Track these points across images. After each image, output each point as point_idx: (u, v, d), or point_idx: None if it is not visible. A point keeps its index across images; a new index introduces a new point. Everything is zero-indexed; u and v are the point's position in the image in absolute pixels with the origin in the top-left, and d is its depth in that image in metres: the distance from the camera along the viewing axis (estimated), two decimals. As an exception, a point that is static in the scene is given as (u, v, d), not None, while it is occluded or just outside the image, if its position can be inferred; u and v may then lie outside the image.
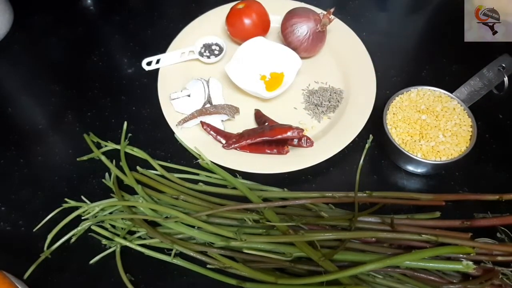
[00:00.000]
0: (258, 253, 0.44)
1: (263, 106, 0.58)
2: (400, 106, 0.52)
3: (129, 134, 0.55)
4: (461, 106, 0.52)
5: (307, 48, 0.59)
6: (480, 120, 0.51)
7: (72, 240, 0.48)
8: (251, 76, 0.58)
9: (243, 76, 0.57)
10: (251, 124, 0.56)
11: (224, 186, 0.51)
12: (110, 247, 0.47)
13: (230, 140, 0.53)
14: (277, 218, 0.45)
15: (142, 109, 0.59)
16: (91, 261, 0.47)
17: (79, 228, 0.48)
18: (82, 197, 0.50)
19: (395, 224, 0.44)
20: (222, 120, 0.56)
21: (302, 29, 0.58)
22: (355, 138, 0.52)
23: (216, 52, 0.62)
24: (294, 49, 0.58)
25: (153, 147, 0.55)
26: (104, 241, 0.47)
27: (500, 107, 0.57)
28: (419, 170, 0.51)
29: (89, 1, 0.73)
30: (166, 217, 0.46)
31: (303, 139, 0.52)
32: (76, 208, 0.49)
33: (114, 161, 0.52)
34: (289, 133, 0.51)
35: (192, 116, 0.55)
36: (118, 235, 0.47)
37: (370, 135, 0.53)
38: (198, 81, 0.57)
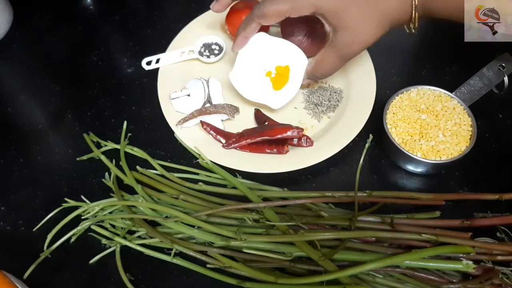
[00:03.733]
0: (258, 253, 0.44)
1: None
2: (400, 105, 0.52)
3: (129, 134, 0.55)
4: (461, 105, 0.52)
5: (306, 48, 0.58)
6: (480, 119, 0.51)
7: (72, 240, 0.48)
8: (257, 86, 0.55)
9: (249, 86, 0.55)
10: (251, 124, 0.56)
11: (224, 186, 0.50)
12: (110, 247, 0.47)
13: (230, 139, 0.53)
14: (277, 218, 0.45)
15: (142, 109, 0.59)
16: (91, 261, 0.47)
17: (79, 227, 0.48)
18: (82, 196, 0.50)
19: (395, 224, 0.44)
20: (222, 120, 0.56)
21: (302, 28, 0.58)
22: (355, 138, 0.52)
23: (216, 52, 0.62)
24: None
25: (153, 146, 0.55)
26: (104, 241, 0.47)
27: (500, 107, 0.57)
28: (419, 169, 0.51)
29: (89, 1, 0.73)
30: (166, 217, 0.46)
31: (303, 138, 0.52)
32: (76, 207, 0.49)
33: (114, 160, 0.52)
34: (289, 133, 0.51)
35: (192, 116, 0.55)
36: (118, 235, 0.47)
37: (370, 135, 0.52)
38: (198, 81, 0.57)
